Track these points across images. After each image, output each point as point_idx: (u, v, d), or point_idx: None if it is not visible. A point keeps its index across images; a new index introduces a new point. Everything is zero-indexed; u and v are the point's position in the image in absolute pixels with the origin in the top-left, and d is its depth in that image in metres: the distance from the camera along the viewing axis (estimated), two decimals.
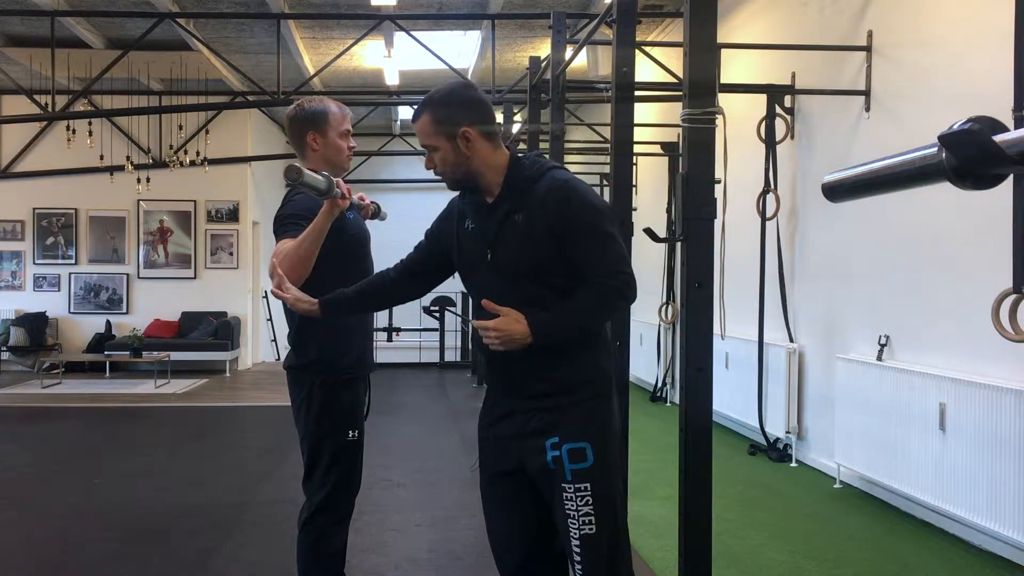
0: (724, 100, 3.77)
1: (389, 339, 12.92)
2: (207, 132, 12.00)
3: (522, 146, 8.93)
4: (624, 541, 2.21)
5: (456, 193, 2.34)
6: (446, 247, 2.35)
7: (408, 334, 13.42)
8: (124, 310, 12.52)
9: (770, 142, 6.20)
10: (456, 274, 2.39)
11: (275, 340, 14.02)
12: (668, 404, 8.59)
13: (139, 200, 12.31)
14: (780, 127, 6.21)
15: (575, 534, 2.11)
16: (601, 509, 2.11)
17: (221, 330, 11.99)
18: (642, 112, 7.33)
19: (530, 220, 2.15)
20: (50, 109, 8.46)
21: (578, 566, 2.13)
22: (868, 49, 5.34)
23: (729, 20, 7.37)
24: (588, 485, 2.11)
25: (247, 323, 12.81)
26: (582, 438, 2.12)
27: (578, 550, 2.12)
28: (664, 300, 8.33)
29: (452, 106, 2.20)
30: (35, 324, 12.01)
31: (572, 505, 2.11)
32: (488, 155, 2.20)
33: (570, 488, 2.11)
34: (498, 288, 2.18)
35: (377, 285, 2.49)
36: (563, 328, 2.14)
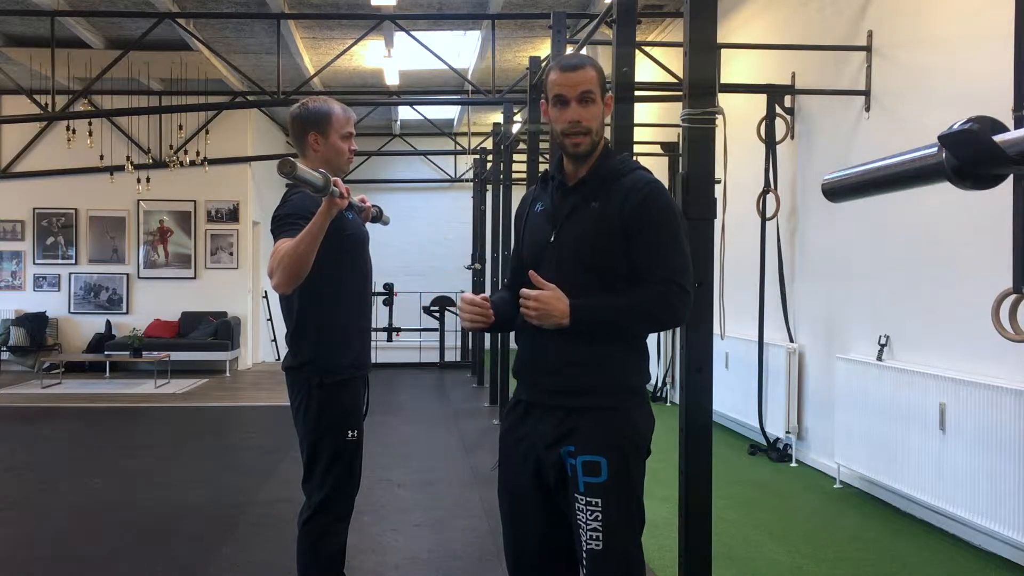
0: (724, 100, 3.77)
1: (389, 339, 12.92)
2: (207, 132, 12.01)
3: (522, 146, 8.93)
4: (636, 563, 2.12)
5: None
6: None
7: (408, 334, 13.42)
8: (124, 310, 12.52)
9: (770, 142, 6.20)
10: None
11: (275, 340, 14.02)
12: (668, 404, 8.59)
13: (139, 200, 12.31)
14: (780, 127, 6.21)
15: (583, 547, 2.08)
16: (610, 528, 2.05)
17: (221, 330, 11.99)
18: (642, 112, 7.34)
19: (605, 209, 2.11)
20: (50, 109, 8.46)
21: None
22: (868, 49, 5.34)
23: (729, 20, 7.37)
24: (599, 501, 2.05)
25: (247, 323, 12.81)
26: (598, 451, 2.06)
27: (585, 563, 2.09)
28: None
29: (603, 73, 2.20)
30: (35, 324, 12.01)
31: (582, 517, 2.06)
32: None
33: (582, 500, 2.06)
34: (551, 270, 2.13)
35: (511, 305, 2.29)
36: (603, 320, 2.08)
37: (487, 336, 10.93)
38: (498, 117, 10.18)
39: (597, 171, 2.17)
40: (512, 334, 2.30)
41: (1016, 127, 1.87)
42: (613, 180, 2.14)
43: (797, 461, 6.04)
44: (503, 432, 2.28)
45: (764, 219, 6.27)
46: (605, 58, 8.80)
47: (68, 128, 10.09)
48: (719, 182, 2.88)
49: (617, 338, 2.13)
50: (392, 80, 11.11)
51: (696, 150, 2.78)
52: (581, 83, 2.12)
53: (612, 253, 2.10)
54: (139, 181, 11.14)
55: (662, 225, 2.10)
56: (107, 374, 11.76)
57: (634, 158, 2.83)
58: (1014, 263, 2.87)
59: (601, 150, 2.19)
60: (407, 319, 13.46)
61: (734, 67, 7.06)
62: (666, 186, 2.20)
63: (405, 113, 13.70)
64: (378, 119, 13.90)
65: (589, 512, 2.06)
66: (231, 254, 12.73)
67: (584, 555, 2.08)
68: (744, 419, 6.65)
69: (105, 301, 12.53)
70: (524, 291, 2.11)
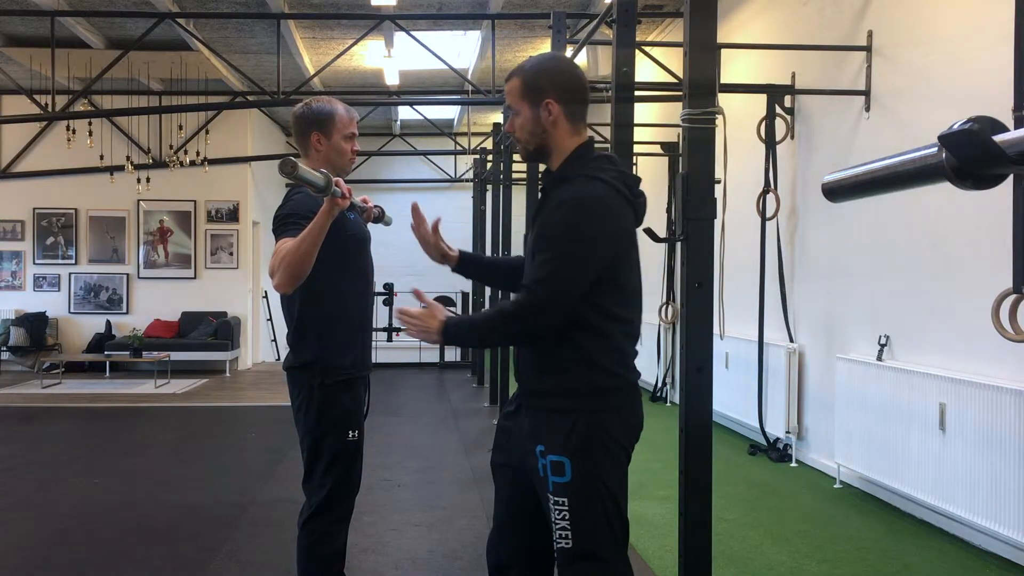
0: (724, 100, 3.77)
1: (389, 339, 12.90)
2: (207, 132, 12.01)
3: None
4: (613, 563, 2.13)
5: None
6: None
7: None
8: (124, 310, 12.52)
9: (770, 142, 6.20)
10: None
11: (275, 340, 14.02)
12: (668, 404, 8.59)
13: (139, 200, 12.31)
14: (780, 127, 6.21)
15: (555, 544, 2.13)
16: (578, 527, 2.09)
17: (221, 330, 11.99)
18: (642, 112, 7.33)
19: (539, 218, 2.16)
20: (50, 109, 8.45)
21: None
22: (868, 49, 5.34)
23: (729, 20, 7.37)
24: (565, 501, 2.09)
25: (247, 323, 12.81)
26: (562, 452, 2.09)
27: (557, 560, 2.14)
28: (664, 300, 8.33)
29: (544, 75, 2.18)
30: (35, 324, 12.01)
31: (553, 516, 2.12)
32: (564, 137, 2.18)
33: (551, 499, 2.11)
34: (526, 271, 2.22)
35: (510, 264, 2.47)
36: (468, 337, 2.19)
37: None
38: (498, 117, 10.19)
39: (553, 175, 2.20)
40: None
41: (1016, 127, 1.88)
42: (557, 186, 2.16)
43: (797, 461, 6.04)
44: (501, 418, 2.36)
45: (764, 219, 6.27)
46: (605, 58, 8.81)
47: (68, 128, 10.09)
48: (719, 182, 2.88)
49: (535, 343, 2.16)
50: (392, 80, 11.11)
51: (696, 150, 2.78)
52: (507, 97, 2.22)
53: None
54: (139, 181, 11.14)
55: (548, 231, 2.09)
56: (107, 374, 11.76)
57: (634, 158, 2.82)
58: (1014, 263, 2.87)
59: (570, 154, 2.18)
60: None
61: (734, 67, 7.06)
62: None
63: (405, 113, 13.69)
64: (378, 119, 13.90)
65: (558, 512, 2.10)
66: (231, 254, 12.73)
67: (556, 553, 2.13)
68: (744, 419, 6.65)
69: (105, 301, 12.53)
70: (401, 308, 2.19)
